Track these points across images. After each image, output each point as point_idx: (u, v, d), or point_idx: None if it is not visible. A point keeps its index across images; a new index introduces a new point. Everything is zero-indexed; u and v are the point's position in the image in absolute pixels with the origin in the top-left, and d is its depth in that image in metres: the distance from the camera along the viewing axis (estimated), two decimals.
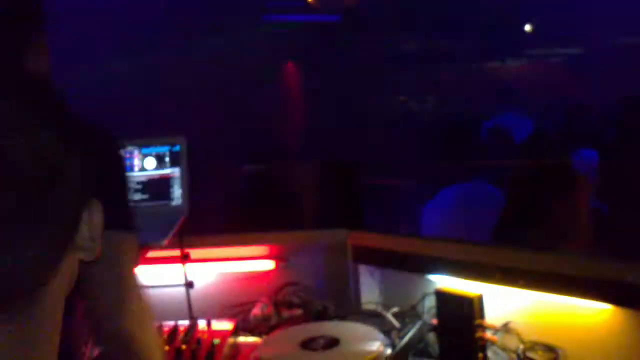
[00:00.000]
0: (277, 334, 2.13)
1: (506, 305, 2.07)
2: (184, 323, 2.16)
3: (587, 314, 1.92)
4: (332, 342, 1.96)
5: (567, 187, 2.66)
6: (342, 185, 2.46)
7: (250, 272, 2.46)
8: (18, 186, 0.61)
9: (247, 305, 2.35)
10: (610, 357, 1.88)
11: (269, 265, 2.45)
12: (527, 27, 10.33)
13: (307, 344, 1.96)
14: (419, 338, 2.10)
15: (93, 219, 0.74)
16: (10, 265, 0.62)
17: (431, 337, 2.11)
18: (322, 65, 6.43)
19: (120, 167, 1.58)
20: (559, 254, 1.96)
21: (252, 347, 2.05)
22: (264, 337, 2.16)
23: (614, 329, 1.88)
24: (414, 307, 2.20)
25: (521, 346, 1.98)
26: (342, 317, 2.20)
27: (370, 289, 2.40)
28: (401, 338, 1.99)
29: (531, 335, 2.01)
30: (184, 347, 2.02)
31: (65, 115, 0.72)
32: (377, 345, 1.92)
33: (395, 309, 2.19)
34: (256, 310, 2.32)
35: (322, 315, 2.21)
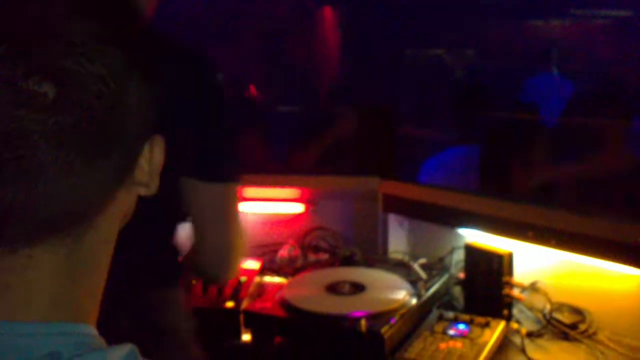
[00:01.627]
0: (303, 276, 2.14)
1: (536, 265, 2.05)
2: None
3: (617, 279, 1.90)
4: (358, 288, 1.96)
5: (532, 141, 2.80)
6: (377, 133, 2.42)
7: (279, 214, 2.46)
8: (79, 109, 0.60)
9: (274, 247, 2.36)
10: (637, 324, 1.86)
11: (298, 208, 2.44)
12: None
13: (333, 288, 1.97)
14: (444, 291, 2.10)
15: (154, 154, 0.73)
16: (68, 188, 0.62)
17: (457, 290, 2.10)
18: (360, 13, 6.32)
19: (218, 100, 1.46)
20: (594, 216, 1.92)
21: (278, 287, 2.06)
22: (290, 278, 2.17)
23: None
24: (441, 260, 2.19)
25: (548, 306, 1.97)
26: (369, 265, 2.19)
27: (398, 239, 2.39)
28: (427, 289, 1.98)
29: (559, 296, 1.99)
30: None
31: (139, 39, 0.69)
32: (402, 294, 1.92)
33: (422, 260, 2.18)
34: (283, 252, 2.33)
35: (349, 261, 2.21)
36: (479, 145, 2.95)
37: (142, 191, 0.74)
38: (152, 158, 0.73)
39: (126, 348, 0.66)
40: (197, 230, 1.44)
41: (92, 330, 0.67)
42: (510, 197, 2.11)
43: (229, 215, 1.45)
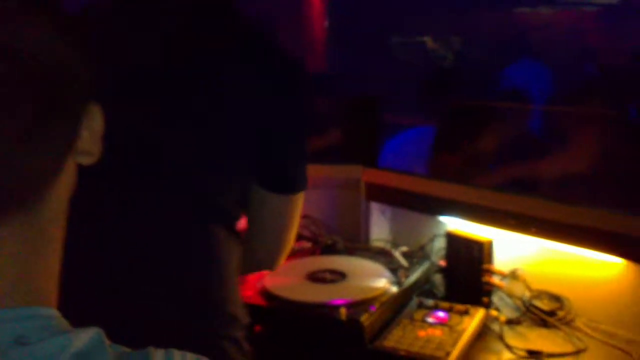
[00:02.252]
0: (285, 264, 2.13)
1: (516, 252, 2.06)
2: None
3: (596, 267, 1.91)
4: (339, 276, 1.97)
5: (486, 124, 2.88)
6: (360, 121, 2.42)
7: None
8: (24, 77, 0.62)
9: None
10: (615, 311, 1.88)
11: None
12: None
13: (314, 276, 1.98)
14: (425, 278, 2.11)
15: (94, 121, 0.74)
16: (21, 157, 0.62)
17: (438, 278, 2.11)
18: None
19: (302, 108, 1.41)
20: (574, 205, 1.93)
21: (259, 276, 2.05)
22: None
23: (623, 284, 1.87)
24: (422, 248, 2.20)
25: (527, 293, 1.98)
26: (351, 253, 2.20)
27: (380, 227, 2.40)
28: (408, 277, 1.99)
29: (538, 284, 2.01)
30: None
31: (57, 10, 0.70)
32: (383, 282, 1.93)
33: (404, 248, 2.18)
34: None
35: (330, 249, 2.21)
36: (433, 127, 3.00)
37: (86, 160, 0.74)
38: (93, 125, 0.73)
39: (92, 331, 0.66)
40: (258, 234, 1.49)
41: (55, 312, 0.67)
42: (491, 185, 2.11)
43: (292, 221, 1.52)
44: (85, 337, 0.65)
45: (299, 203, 1.51)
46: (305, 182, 1.49)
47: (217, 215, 1.34)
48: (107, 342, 0.67)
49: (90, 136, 0.73)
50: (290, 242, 1.56)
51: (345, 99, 2.45)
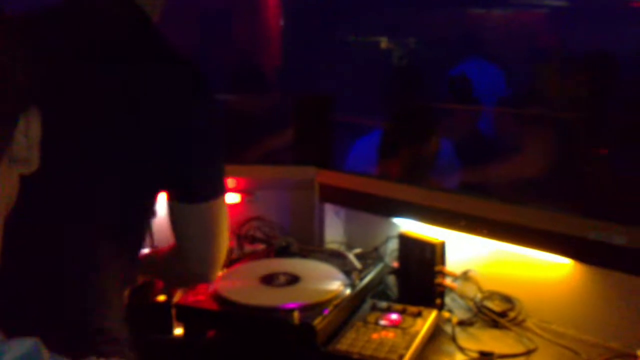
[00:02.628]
0: (238, 267, 2.12)
1: (468, 254, 2.08)
2: (145, 251, 2.13)
3: (546, 268, 1.94)
4: (292, 279, 1.96)
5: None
6: (313, 121, 2.41)
7: None
8: None
9: None
10: (565, 311, 1.91)
11: (234, 198, 2.41)
12: None
13: (267, 280, 1.96)
14: (379, 280, 2.11)
15: (31, 127, 0.71)
16: None
17: (391, 280, 2.12)
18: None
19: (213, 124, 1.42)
20: (525, 206, 1.96)
21: None
22: (225, 270, 2.14)
23: (572, 284, 1.90)
24: (376, 249, 2.20)
25: (479, 295, 2.00)
26: (305, 255, 2.19)
27: (334, 229, 2.39)
28: (361, 279, 1.99)
29: (490, 285, 2.03)
30: None
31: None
32: (336, 284, 1.92)
33: (358, 250, 2.18)
34: None
35: (284, 252, 2.19)
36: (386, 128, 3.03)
37: (24, 168, 0.71)
38: (28, 130, 0.71)
39: (28, 342, 0.63)
40: (184, 247, 1.48)
41: None
42: (443, 187, 2.12)
43: (215, 229, 1.48)
44: (21, 347, 0.62)
45: (218, 211, 1.47)
46: (218, 189, 1.46)
47: (99, 226, 1.33)
48: (47, 352, 0.64)
49: (27, 142, 0.70)
50: (221, 251, 1.54)
51: (296, 98, 2.43)
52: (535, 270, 1.97)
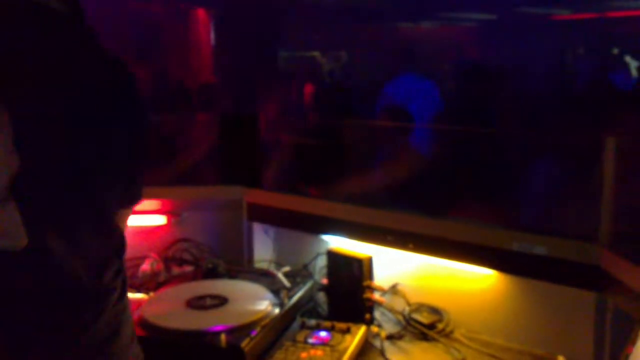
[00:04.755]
0: (164, 291, 2.08)
1: (396, 268, 2.09)
2: None
3: (472, 279, 1.97)
4: (220, 301, 1.93)
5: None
6: (241, 141, 2.39)
7: (140, 227, 2.37)
8: None
9: (136, 261, 2.28)
10: (492, 320, 1.94)
11: (160, 220, 2.37)
12: None
13: (194, 303, 1.93)
14: (309, 298, 2.10)
15: None
16: None
17: (321, 297, 2.11)
18: (235, 14, 6.25)
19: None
20: (449, 220, 1.99)
21: (138, 304, 1.98)
22: (152, 293, 2.10)
23: (497, 294, 1.94)
24: (305, 267, 2.20)
25: (407, 308, 2.02)
26: (233, 276, 2.16)
27: (264, 248, 2.37)
28: (290, 297, 1.98)
29: (418, 298, 2.05)
30: None
31: None
32: (265, 304, 1.90)
33: (286, 268, 2.17)
34: (145, 266, 2.25)
35: (212, 273, 2.16)
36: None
37: None
38: None
39: None
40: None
41: None
42: (370, 203, 2.13)
43: None
44: None
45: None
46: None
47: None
48: None
49: None
50: None
51: (223, 117, 2.40)
52: (461, 282, 2.00)
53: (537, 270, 1.79)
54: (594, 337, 1.75)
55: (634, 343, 1.32)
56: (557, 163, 2.84)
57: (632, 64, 8.45)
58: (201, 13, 6.39)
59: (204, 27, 6.25)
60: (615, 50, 9.61)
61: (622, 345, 1.36)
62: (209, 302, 1.93)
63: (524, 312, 1.89)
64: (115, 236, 1.38)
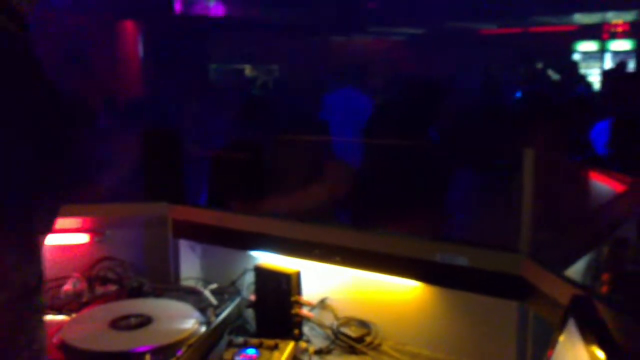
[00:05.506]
0: (87, 312, 2.01)
1: (324, 282, 2.09)
2: None
3: (398, 291, 1.99)
4: (145, 321, 1.88)
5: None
6: (165, 157, 2.35)
7: (62, 246, 2.30)
8: None
9: (58, 281, 2.20)
10: (418, 331, 1.96)
11: (82, 238, 2.30)
12: (376, 5, 10.62)
13: (118, 323, 1.87)
14: (237, 315, 2.07)
15: None
16: None
17: (249, 313, 2.09)
18: (163, 27, 6.17)
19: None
20: (375, 233, 2.00)
21: (58, 326, 1.91)
22: (74, 315, 2.03)
23: (423, 305, 1.96)
24: (233, 283, 2.17)
25: (335, 322, 2.02)
26: (159, 294, 2.11)
27: (190, 265, 2.33)
28: (217, 315, 1.95)
29: (346, 311, 2.05)
30: None
31: None
32: (191, 323, 1.87)
33: (214, 285, 2.14)
34: (67, 286, 2.18)
35: (137, 292, 2.11)
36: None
37: None
38: None
39: None
40: None
41: None
42: (296, 217, 2.13)
43: None
44: None
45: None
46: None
47: None
48: None
49: None
50: None
51: (147, 132, 2.35)
52: (388, 294, 2.01)
53: (460, 280, 1.83)
54: (517, 344, 1.79)
55: (553, 347, 1.35)
56: (481, 175, 2.91)
57: (554, 76, 8.79)
58: (129, 26, 6.29)
59: (132, 40, 6.15)
60: (539, 64, 9.99)
61: (544, 351, 1.40)
62: (133, 322, 1.88)
63: (450, 323, 1.92)
64: None
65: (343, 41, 9.86)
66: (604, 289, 1.76)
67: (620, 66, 9.70)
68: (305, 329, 2.02)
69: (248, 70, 7.98)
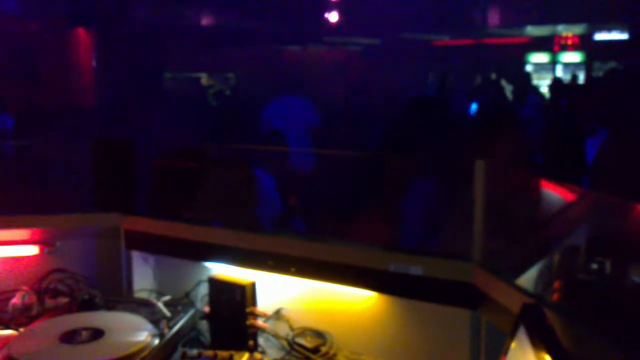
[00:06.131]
0: (36, 326, 1.96)
1: (279, 293, 2.08)
2: None
3: (353, 301, 1.99)
4: (96, 334, 1.85)
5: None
6: (117, 166, 2.31)
7: (10, 258, 2.24)
8: None
9: (6, 294, 2.15)
10: (373, 340, 1.96)
11: (32, 250, 2.25)
12: (332, 16, 10.68)
13: (68, 337, 1.83)
14: (191, 327, 2.05)
15: None
16: None
17: (203, 325, 2.07)
18: (115, 34, 6.08)
19: None
20: (329, 243, 2.00)
21: (6, 341, 1.86)
22: (22, 329, 1.98)
23: (378, 314, 1.97)
24: (187, 295, 2.14)
25: (291, 332, 2.01)
26: (111, 307, 2.08)
27: (143, 277, 2.29)
28: (171, 327, 1.92)
29: (301, 322, 2.04)
30: None
31: None
32: (144, 335, 1.84)
33: (167, 297, 2.11)
34: (16, 300, 2.12)
35: (88, 305, 2.07)
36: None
37: None
38: None
39: None
40: None
41: None
42: (250, 228, 2.12)
43: None
44: None
45: None
46: None
47: None
48: None
49: None
50: None
51: (98, 141, 2.30)
52: (343, 304, 2.01)
53: (414, 290, 1.84)
54: (470, 352, 1.81)
55: (505, 354, 1.38)
56: (435, 185, 2.94)
57: (507, 87, 8.96)
58: (81, 33, 6.18)
59: (85, 48, 6.04)
60: (493, 75, 10.17)
61: (497, 358, 1.42)
62: (84, 335, 1.84)
63: (404, 332, 1.93)
64: None
65: (298, 51, 9.88)
66: (555, 297, 1.79)
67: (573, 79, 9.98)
68: (260, 340, 2.01)
69: (204, 79, 7.92)
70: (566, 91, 6.28)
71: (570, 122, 4.18)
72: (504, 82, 9.18)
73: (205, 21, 8.56)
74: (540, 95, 8.89)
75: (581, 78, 11.00)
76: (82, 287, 2.21)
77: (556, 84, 8.64)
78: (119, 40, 5.94)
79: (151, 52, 6.14)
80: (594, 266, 1.79)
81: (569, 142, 3.73)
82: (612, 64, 9.85)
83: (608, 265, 1.77)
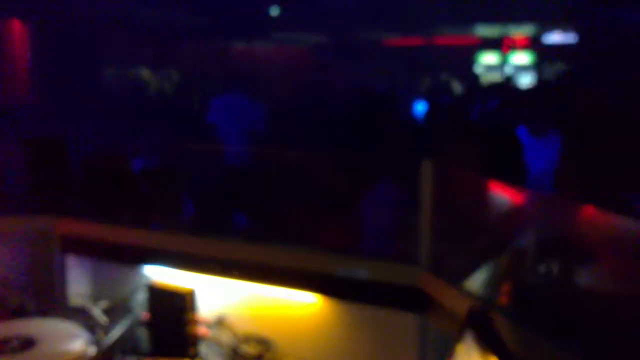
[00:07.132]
0: None
1: (221, 299, 2.02)
2: None
3: (298, 306, 1.94)
4: (27, 343, 1.75)
5: None
6: (50, 166, 2.21)
7: None
8: None
9: None
10: (318, 346, 1.93)
11: None
12: (274, 11, 10.60)
13: None
14: (129, 334, 1.97)
15: None
16: None
17: (142, 332, 1.99)
18: (53, 27, 5.87)
19: None
20: (272, 246, 1.95)
21: None
22: None
23: (323, 319, 1.93)
24: (125, 301, 2.06)
25: (234, 340, 1.95)
26: (43, 314, 1.98)
27: (79, 282, 2.20)
28: (108, 335, 1.84)
29: (245, 328, 1.98)
30: None
31: None
32: (78, 344, 1.76)
33: (104, 303, 2.03)
34: None
35: (18, 312, 1.97)
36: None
37: None
38: None
39: None
40: None
41: None
42: (193, 231, 2.05)
43: None
44: None
45: None
46: None
47: None
48: None
49: None
50: None
51: (31, 140, 2.19)
52: (288, 310, 1.96)
53: (360, 294, 1.80)
54: (418, 356, 1.79)
55: (452, 357, 1.36)
56: (384, 187, 2.91)
57: (458, 88, 9.04)
58: (16, 25, 5.94)
59: (19, 42, 5.80)
60: (444, 76, 10.25)
61: None
62: (15, 344, 1.75)
63: (350, 337, 1.89)
64: None
65: (243, 47, 9.78)
66: (503, 300, 1.78)
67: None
68: (202, 348, 1.95)
69: (146, 74, 7.75)
70: (499, 92, 6.31)
71: (499, 122, 4.23)
72: (455, 83, 9.24)
73: (147, 14, 8.38)
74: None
75: (528, 80, 11.15)
76: (12, 293, 2.10)
77: (490, 85, 8.74)
78: (56, 33, 5.74)
79: (90, 46, 5.96)
80: (542, 269, 1.79)
81: (504, 144, 3.76)
82: (560, 65, 10.05)
83: (555, 268, 1.77)
